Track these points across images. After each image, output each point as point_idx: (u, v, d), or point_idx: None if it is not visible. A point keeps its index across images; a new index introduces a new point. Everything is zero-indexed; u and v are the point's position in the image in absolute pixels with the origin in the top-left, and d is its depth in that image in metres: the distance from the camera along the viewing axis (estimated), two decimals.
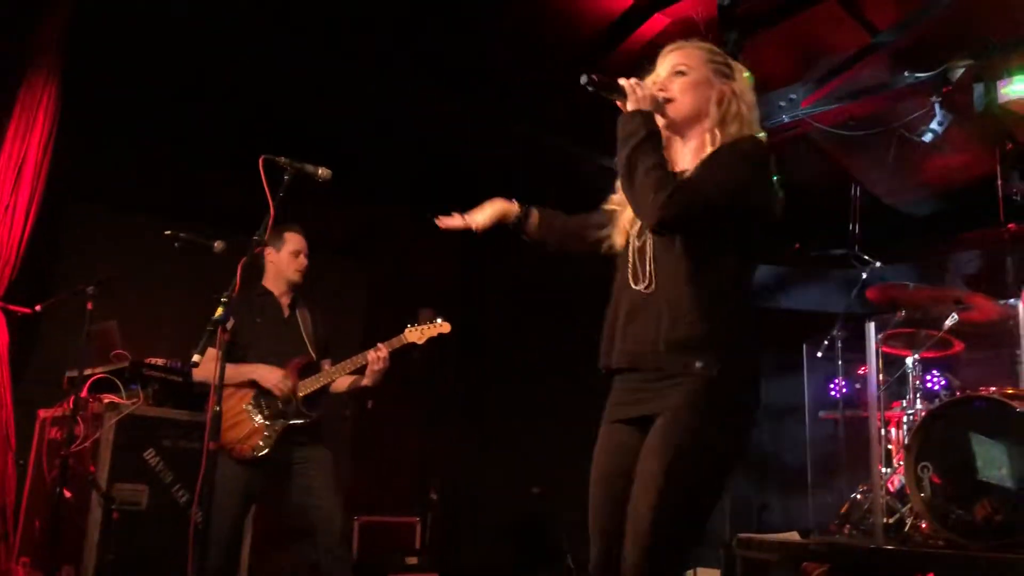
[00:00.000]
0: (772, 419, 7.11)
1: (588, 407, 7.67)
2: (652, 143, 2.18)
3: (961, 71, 4.71)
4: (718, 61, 2.36)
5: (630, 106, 2.24)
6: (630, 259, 2.33)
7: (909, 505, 4.41)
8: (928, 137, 4.88)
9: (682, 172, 2.25)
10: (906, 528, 4.40)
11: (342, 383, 4.06)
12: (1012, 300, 4.74)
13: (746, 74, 2.39)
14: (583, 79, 2.22)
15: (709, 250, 2.19)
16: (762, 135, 2.33)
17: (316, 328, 4.14)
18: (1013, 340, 5.42)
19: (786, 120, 5.47)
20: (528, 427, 7.13)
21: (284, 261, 4.07)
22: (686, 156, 2.33)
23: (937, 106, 4.86)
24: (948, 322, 4.64)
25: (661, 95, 2.29)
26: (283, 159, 3.03)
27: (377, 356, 3.91)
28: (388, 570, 6.10)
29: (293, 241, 4.08)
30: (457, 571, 6.57)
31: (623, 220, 2.41)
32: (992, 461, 4.02)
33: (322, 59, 5.28)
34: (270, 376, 3.84)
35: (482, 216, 2.64)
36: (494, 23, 5.30)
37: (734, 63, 2.40)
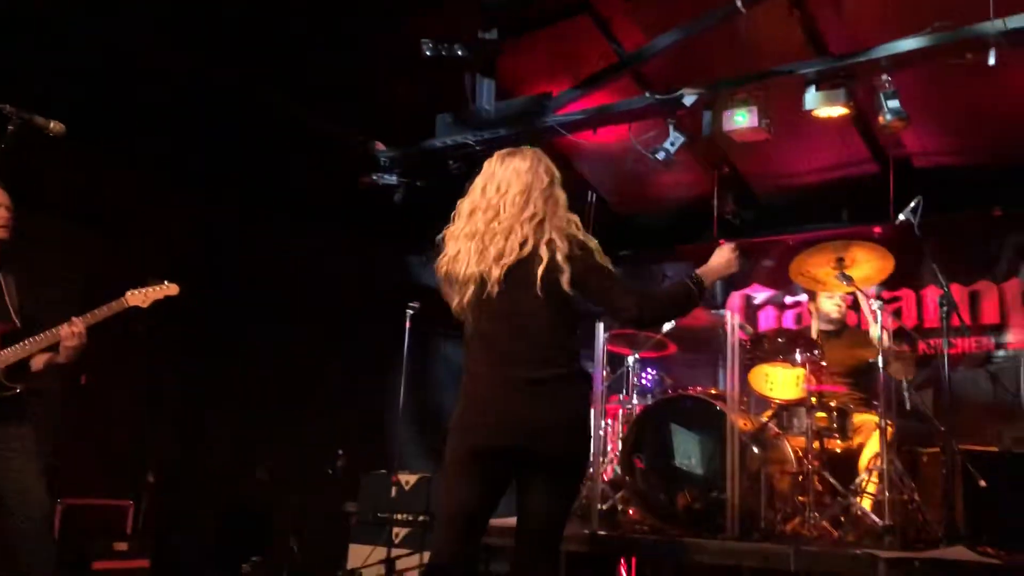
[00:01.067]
0: None
1: (311, 394, 7.57)
2: None
3: (694, 98, 5.14)
4: None
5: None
6: None
7: (622, 492, 4.78)
8: (661, 156, 5.28)
9: None
10: (618, 514, 4.76)
11: (38, 360, 3.69)
12: (721, 311, 5.25)
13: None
14: None
15: None
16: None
17: (23, 295, 3.74)
18: (718, 345, 6.03)
19: (536, 126, 5.70)
20: (253, 410, 6.94)
21: None
22: None
23: (671, 127, 5.27)
24: (667, 326, 5.06)
25: None
26: (8, 107, 2.73)
27: (71, 332, 3.57)
28: (93, 557, 5.71)
29: None
30: (172, 557, 6.26)
31: None
32: (694, 454, 4.45)
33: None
34: None
35: None
36: None
37: None
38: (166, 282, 3.76)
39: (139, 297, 3.71)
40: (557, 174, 2.87)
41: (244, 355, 6.98)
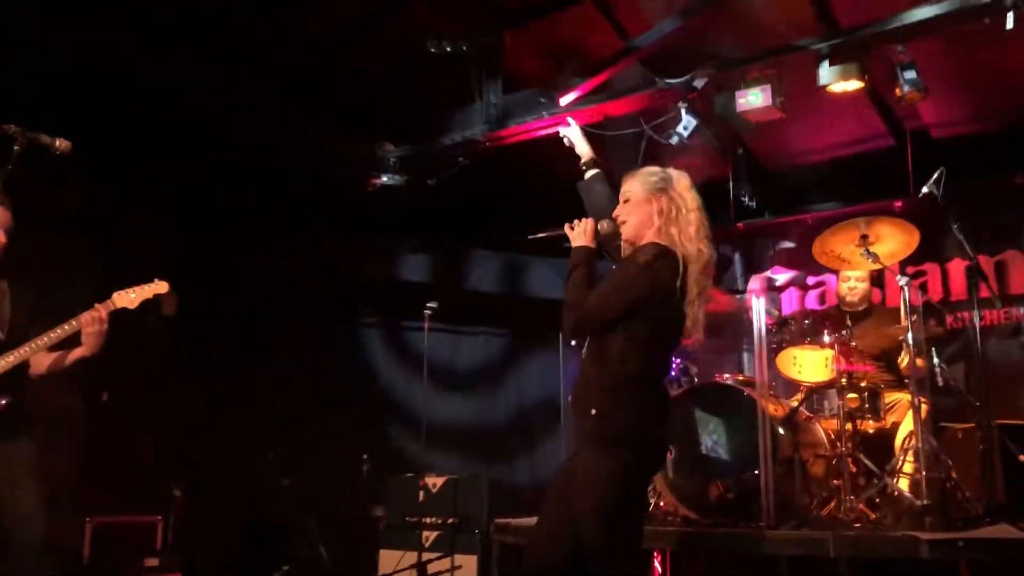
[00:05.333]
0: (531, 405, 7.36)
1: (331, 398, 7.51)
2: (579, 271, 2.89)
3: (705, 80, 5.05)
4: (654, 179, 2.97)
5: (573, 243, 2.95)
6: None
7: (653, 484, 4.71)
8: (675, 140, 5.19)
9: None
10: (651, 507, 4.69)
11: (42, 362, 3.51)
12: (741, 295, 5.16)
13: (685, 179, 3.00)
14: (531, 237, 3.04)
15: (604, 338, 2.83)
16: (696, 241, 2.89)
17: (15, 305, 3.57)
18: (742, 330, 5.94)
19: (545, 116, 5.62)
20: (275, 420, 6.92)
21: None
22: None
23: (683, 111, 5.18)
24: None
25: (611, 223, 2.98)
26: (13, 127, 2.69)
27: (93, 317, 3.38)
28: (126, 573, 5.68)
29: None
30: (203, 570, 6.24)
31: None
32: (725, 443, 4.37)
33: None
34: None
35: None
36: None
37: (672, 173, 3.00)
38: (156, 279, 3.58)
39: (126, 298, 3.53)
40: None
41: (260, 364, 6.95)
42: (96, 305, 3.44)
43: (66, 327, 3.41)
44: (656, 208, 2.92)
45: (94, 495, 5.91)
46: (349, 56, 5.81)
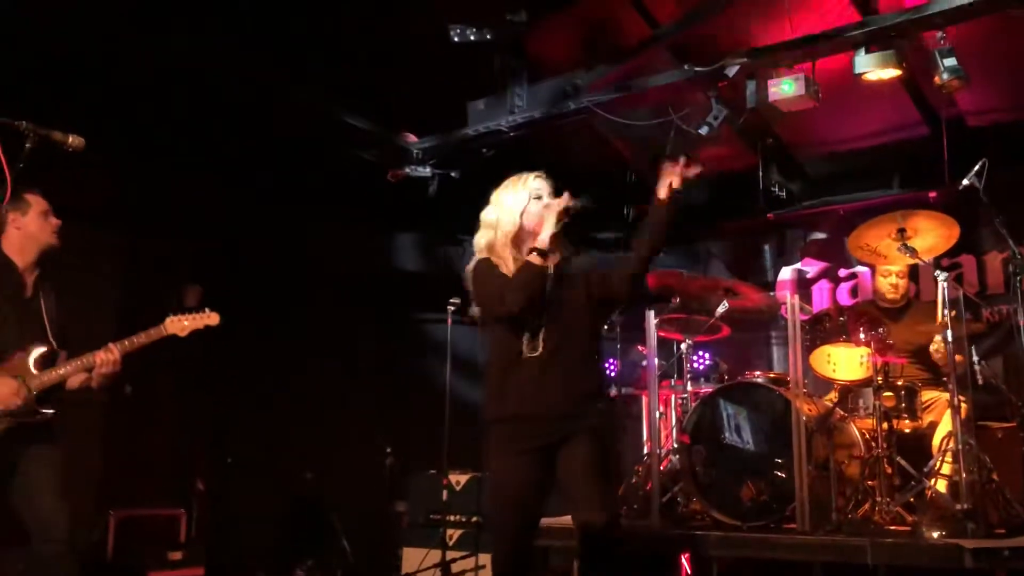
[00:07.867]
0: None
1: (354, 391, 7.39)
2: None
3: (736, 68, 4.90)
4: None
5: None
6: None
7: (680, 484, 4.59)
8: (705, 130, 5.06)
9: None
10: (679, 508, 4.58)
11: (73, 380, 3.60)
12: (773, 292, 5.01)
13: None
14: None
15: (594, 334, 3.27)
16: None
17: (57, 312, 3.66)
18: (772, 325, 5.80)
19: (571, 107, 5.50)
20: (296, 412, 6.86)
21: (35, 224, 3.56)
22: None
23: (713, 100, 5.04)
24: (720, 309, 4.85)
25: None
26: (24, 124, 2.61)
27: (106, 358, 3.49)
28: (149, 567, 5.67)
29: (39, 203, 3.58)
30: (226, 564, 6.22)
31: None
32: (757, 443, 4.25)
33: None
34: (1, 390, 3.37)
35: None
36: None
37: None
38: (207, 309, 3.68)
39: (178, 325, 3.64)
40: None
41: (284, 357, 6.88)
42: (110, 345, 3.52)
43: (84, 360, 3.50)
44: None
45: (118, 488, 5.90)
46: (370, 44, 5.69)
